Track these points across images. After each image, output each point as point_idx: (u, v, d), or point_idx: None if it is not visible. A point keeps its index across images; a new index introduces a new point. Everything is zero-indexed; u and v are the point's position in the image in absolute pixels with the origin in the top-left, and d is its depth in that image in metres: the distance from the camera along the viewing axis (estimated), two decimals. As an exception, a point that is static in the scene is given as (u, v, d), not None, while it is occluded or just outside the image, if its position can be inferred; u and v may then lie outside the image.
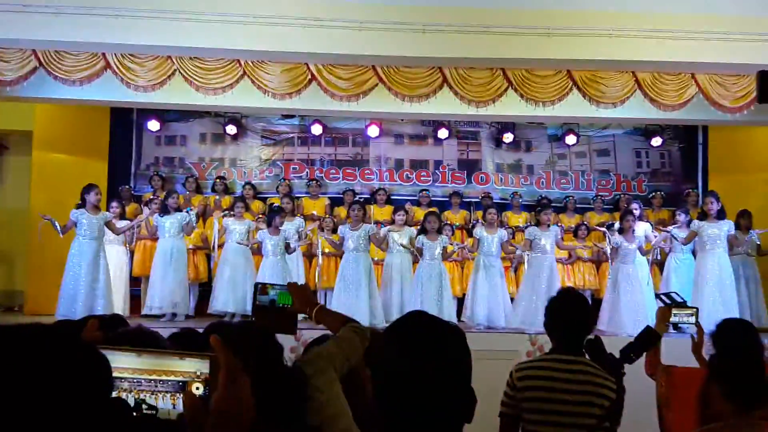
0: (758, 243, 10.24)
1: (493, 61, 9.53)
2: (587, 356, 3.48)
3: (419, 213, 11.88)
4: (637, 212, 10.50)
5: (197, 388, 1.32)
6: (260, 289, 2.94)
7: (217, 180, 12.36)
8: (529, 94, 9.74)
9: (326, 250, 10.83)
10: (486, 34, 9.10)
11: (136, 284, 10.89)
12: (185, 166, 12.90)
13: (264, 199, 12.37)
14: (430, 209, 11.02)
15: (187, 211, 10.22)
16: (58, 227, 9.13)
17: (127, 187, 11.99)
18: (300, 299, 2.89)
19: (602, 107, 9.94)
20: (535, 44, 9.15)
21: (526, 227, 10.85)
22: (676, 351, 4.59)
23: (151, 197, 11.33)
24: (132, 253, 10.94)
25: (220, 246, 10.59)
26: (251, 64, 9.55)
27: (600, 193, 12.87)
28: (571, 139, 12.82)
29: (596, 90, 9.75)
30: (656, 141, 12.92)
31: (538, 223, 10.35)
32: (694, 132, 13.13)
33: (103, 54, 9.34)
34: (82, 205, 9.25)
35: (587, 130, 13.15)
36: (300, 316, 3.02)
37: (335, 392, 2.20)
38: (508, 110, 10.25)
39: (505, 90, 9.76)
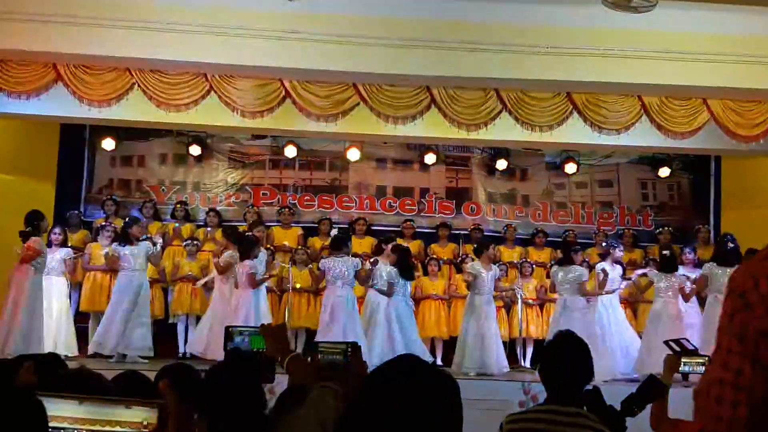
0: None
1: (485, 81, 9.60)
2: (585, 408, 3.47)
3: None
4: (619, 253, 10.67)
5: None
6: (230, 333, 2.96)
7: (178, 205, 12.29)
8: (525, 118, 9.81)
9: (298, 286, 10.79)
10: (478, 51, 9.17)
11: (83, 320, 10.75)
12: (143, 189, 12.82)
13: (229, 227, 12.29)
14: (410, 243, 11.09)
15: (153, 241, 10.21)
16: None
17: (76, 212, 11.90)
18: (272, 343, 2.88)
19: (605, 133, 10.02)
20: (532, 63, 9.24)
21: (551, 265, 10.96)
22: (684, 403, 4.59)
23: (103, 224, 11.25)
24: (79, 285, 10.84)
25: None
26: (219, 79, 9.57)
27: (602, 228, 12.92)
28: (570, 168, 12.89)
29: (598, 114, 9.83)
30: (664, 171, 13.01)
31: (563, 261, 10.40)
32: (706, 162, 13.23)
33: (54, 64, 9.32)
34: (35, 233, 9.24)
35: (588, 158, 13.22)
36: None
37: None
38: (502, 135, 10.32)
39: (499, 112, 9.83)
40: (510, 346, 11.04)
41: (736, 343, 1.71)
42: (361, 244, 11.90)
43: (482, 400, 7.73)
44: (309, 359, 3.09)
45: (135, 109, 9.87)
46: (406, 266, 10.25)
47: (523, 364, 10.83)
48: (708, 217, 13.11)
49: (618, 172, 13.46)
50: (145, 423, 1.34)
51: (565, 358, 3.44)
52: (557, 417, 3.30)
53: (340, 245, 10.19)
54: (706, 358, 4.44)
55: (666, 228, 12.62)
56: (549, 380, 3.47)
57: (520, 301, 10.91)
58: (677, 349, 4.41)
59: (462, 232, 12.70)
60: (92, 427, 1.33)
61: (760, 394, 1.67)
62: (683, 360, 4.32)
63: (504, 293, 10.93)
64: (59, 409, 1.32)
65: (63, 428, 1.32)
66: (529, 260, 11.78)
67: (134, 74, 9.43)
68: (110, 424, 1.33)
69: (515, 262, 11.94)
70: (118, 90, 9.47)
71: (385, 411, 1.82)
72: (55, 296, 9.88)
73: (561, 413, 3.31)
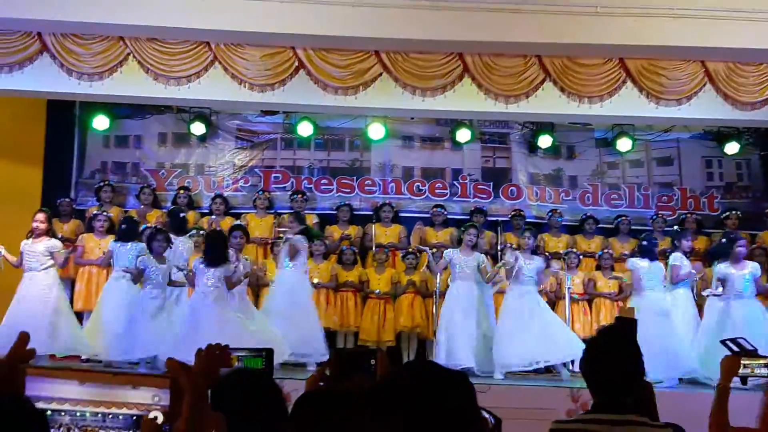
0: None
1: (526, 46, 9.55)
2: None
3: (432, 234, 11.87)
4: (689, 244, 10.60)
5: (155, 417, 1.32)
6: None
7: (180, 191, 12.34)
8: (572, 88, 9.76)
9: (316, 281, 10.80)
10: (518, 13, 9.13)
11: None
12: (140, 173, 12.89)
13: (237, 215, 12.33)
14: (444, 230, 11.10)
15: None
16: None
17: (67, 199, 11.97)
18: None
19: (663, 105, 9.95)
20: (580, 25, 9.18)
21: (629, 256, 10.90)
22: (747, 409, 4.57)
23: (96, 212, 11.30)
24: (71, 282, 10.91)
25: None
26: (223, 48, 9.58)
27: (660, 212, 12.81)
28: (624, 145, 12.78)
29: (656, 83, 9.76)
30: (731, 147, 12.88)
31: (643, 252, 10.36)
32: (780, 136, 13.13)
33: (39, 34, 9.38)
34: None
35: (644, 134, 13.12)
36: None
37: None
38: (545, 107, 10.25)
39: (542, 82, 9.78)
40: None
41: None
42: (387, 232, 11.89)
43: (524, 408, 7.72)
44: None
45: (130, 83, 9.91)
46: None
47: (570, 368, 10.78)
48: (782, 200, 13.01)
49: (678, 148, 13.36)
50: (156, 400, 1.34)
51: (608, 359, 3.41)
52: (602, 428, 3.30)
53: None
54: (768, 359, 4.43)
55: (734, 212, 12.52)
56: (594, 383, 3.46)
57: (567, 296, 10.85)
58: (735, 349, 4.41)
59: (500, 218, 12.64)
60: (96, 409, 1.32)
61: None
62: (743, 361, 4.32)
63: (547, 288, 10.90)
64: (58, 390, 1.31)
65: (63, 411, 1.31)
66: (576, 250, 11.71)
67: (128, 43, 9.46)
68: (116, 405, 1.32)
69: (561, 252, 11.88)
70: (111, 61, 9.52)
71: (399, 413, 1.90)
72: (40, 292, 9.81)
73: (606, 422, 3.31)
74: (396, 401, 1.94)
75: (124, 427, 1.32)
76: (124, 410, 1.33)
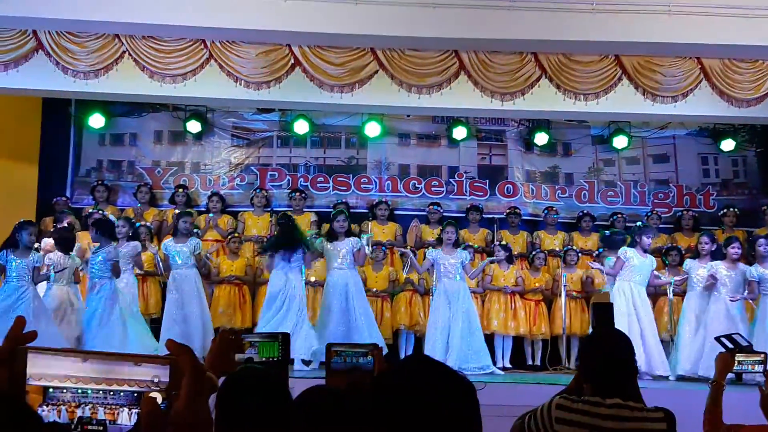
0: None
1: (522, 44, 9.56)
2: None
3: (428, 232, 11.88)
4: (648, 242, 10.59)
5: (155, 398, 1.33)
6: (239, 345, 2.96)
7: (178, 190, 12.33)
8: (568, 85, 9.77)
9: (313, 279, 10.83)
10: (513, 10, 9.13)
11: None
12: (136, 171, 12.89)
13: (234, 213, 12.36)
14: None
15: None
16: None
17: (63, 198, 11.97)
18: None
19: (659, 102, 9.96)
20: (576, 23, 9.18)
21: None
22: (741, 406, 4.58)
23: (91, 211, 11.30)
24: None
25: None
26: (219, 45, 9.58)
27: (656, 209, 12.84)
28: (620, 142, 12.81)
29: (652, 80, 9.77)
30: (728, 144, 12.91)
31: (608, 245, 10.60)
32: (775, 133, 13.14)
33: (34, 32, 9.37)
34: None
35: (640, 131, 13.15)
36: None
37: None
38: (542, 104, 10.27)
39: (538, 79, 9.79)
40: (552, 345, 11.06)
41: None
42: (384, 230, 11.91)
43: (518, 406, 7.71)
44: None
45: (126, 81, 9.92)
46: None
47: (567, 365, 10.80)
48: (778, 196, 13.02)
49: (675, 145, 13.38)
50: (155, 380, 1.35)
51: (606, 355, 3.46)
52: (604, 410, 3.35)
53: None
54: (763, 355, 4.46)
55: (731, 209, 12.54)
56: (591, 376, 3.50)
57: (563, 294, 10.87)
58: (730, 345, 4.43)
59: (496, 215, 12.68)
60: (98, 386, 1.33)
61: None
62: (738, 358, 4.35)
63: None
64: (61, 367, 1.32)
65: (65, 387, 1.32)
66: (573, 247, 11.73)
67: (124, 41, 9.46)
68: (117, 383, 1.33)
69: (557, 249, 11.91)
70: (107, 59, 9.51)
71: (396, 412, 1.88)
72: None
73: (604, 405, 3.37)
74: (393, 403, 1.92)
75: (125, 404, 1.34)
76: (125, 387, 1.34)
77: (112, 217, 10.36)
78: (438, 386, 1.94)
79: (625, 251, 10.14)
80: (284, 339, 2.96)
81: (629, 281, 10.01)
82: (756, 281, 9.85)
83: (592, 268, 10.92)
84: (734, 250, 10.05)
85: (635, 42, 9.39)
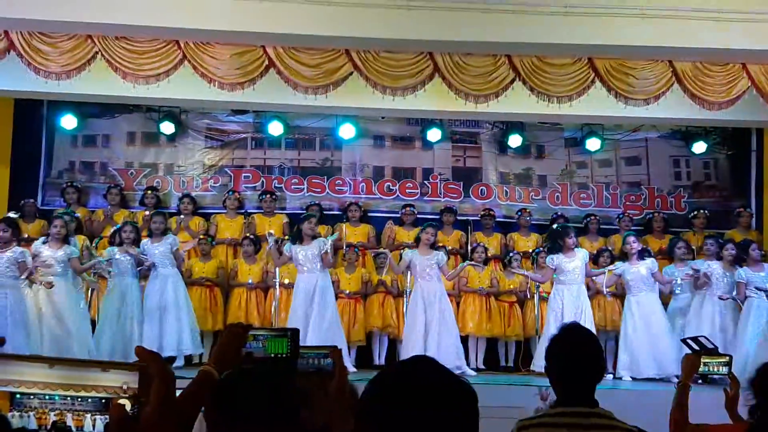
0: None
1: (496, 46, 9.58)
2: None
3: (403, 234, 11.89)
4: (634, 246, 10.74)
5: (124, 405, 1.32)
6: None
7: (148, 191, 12.28)
8: (541, 87, 9.80)
9: (287, 281, 10.79)
10: (487, 13, 9.16)
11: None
12: (108, 173, 12.81)
13: (207, 215, 12.30)
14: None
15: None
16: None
17: (31, 201, 11.85)
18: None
19: (632, 104, 10.03)
20: (549, 25, 9.22)
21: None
22: (705, 406, 4.63)
23: (62, 212, 11.21)
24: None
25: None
26: (193, 46, 9.54)
27: (628, 211, 12.91)
28: (593, 144, 12.87)
29: (624, 83, 9.82)
30: (699, 147, 12.99)
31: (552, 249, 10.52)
32: (747, 136, 13.22)
33: (6, 32, 9.28)
34: None
35: (613, 133, 13.21)
36: None
37: None
38: (515, 107, 10.32)
39: (511, 82, 9.82)
40: (525, 346, 11.12)
41: None
42: (356, 232, 11.90)
43: (492, 407, 7.74)
44: None
45: (98, 82, 9.87)
46: None
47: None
48: (749, 199, 13.10)
49: (647, 148, 13.46)
50: (124, 387, 1.35)
51: (572, 355, 3.45)
52: (570, 420, 3.33)
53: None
54: (729, 357, 4.52)
55: (701, 211, 12.64)
56: (558, 380, 3.49)
57: (536, 296, 10.91)
58: (696, 347, 4.48)
59: (470, 217, 12.69)
60: (66, 392, 1.33)
61: None
62: (703, 360, 4.39)
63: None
64: (28, 374, 1.32)
65: (33, 394, 1.32)
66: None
67: (97, 42, 9.39)
68: (85, 389, 1.33)
69: (530, 251, 11.95)
70: (79, 60, 9.44)
71: (395, 415, 1.83)
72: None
73: (571, 414, 3.34)
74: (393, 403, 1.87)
75: (93, 410, 1.34)
76: (93, 393, 1.34)
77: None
78: (441, 390, 1.90)
79: (552, 259, 10.31)
80: (293, 335, 2.88)
81: (635, 296, 10.37)
82: (744, 283, 9.99)
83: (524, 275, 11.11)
84: (729, 252, 10.29)
85: (608, 45, 9.43)
